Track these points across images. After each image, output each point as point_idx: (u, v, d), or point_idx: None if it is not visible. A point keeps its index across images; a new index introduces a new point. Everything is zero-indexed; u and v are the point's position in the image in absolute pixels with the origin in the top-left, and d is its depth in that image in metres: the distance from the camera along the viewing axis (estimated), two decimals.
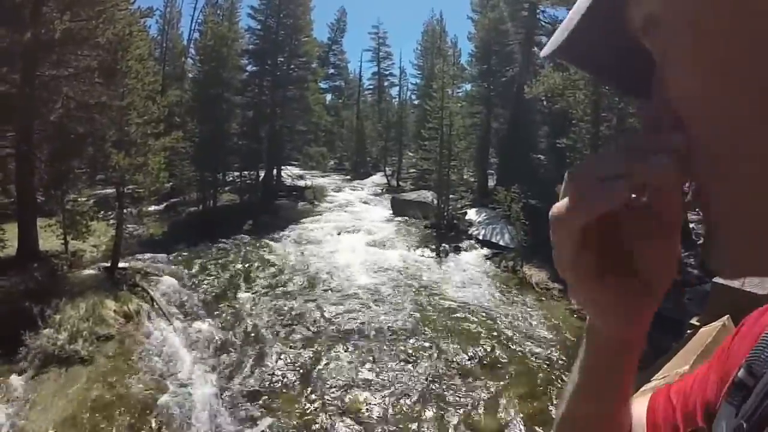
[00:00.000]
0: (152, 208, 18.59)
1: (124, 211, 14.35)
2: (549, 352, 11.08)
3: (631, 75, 0.43)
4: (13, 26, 11.14)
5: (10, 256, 12.51)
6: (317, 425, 8.64)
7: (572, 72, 15.86)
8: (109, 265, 13.56)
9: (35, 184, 13.18)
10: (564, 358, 10.82)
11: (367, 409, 9.04)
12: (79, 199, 13.60)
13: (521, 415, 8.93)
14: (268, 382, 9.78)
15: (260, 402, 9.22)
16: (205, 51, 24.47)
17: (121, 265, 13.82)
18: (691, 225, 15.10)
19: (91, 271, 13.26)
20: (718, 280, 2.35)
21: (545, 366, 10.52)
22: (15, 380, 8.91)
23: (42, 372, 9.24)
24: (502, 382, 9.86)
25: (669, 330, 10.66)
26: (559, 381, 9.90)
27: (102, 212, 14.64)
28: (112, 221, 14.80)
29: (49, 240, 13.29)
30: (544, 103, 18.33)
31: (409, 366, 10.38)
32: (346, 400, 9.23)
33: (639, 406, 0.66)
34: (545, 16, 25.04)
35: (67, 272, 12.76)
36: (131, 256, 15.22)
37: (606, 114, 15.43)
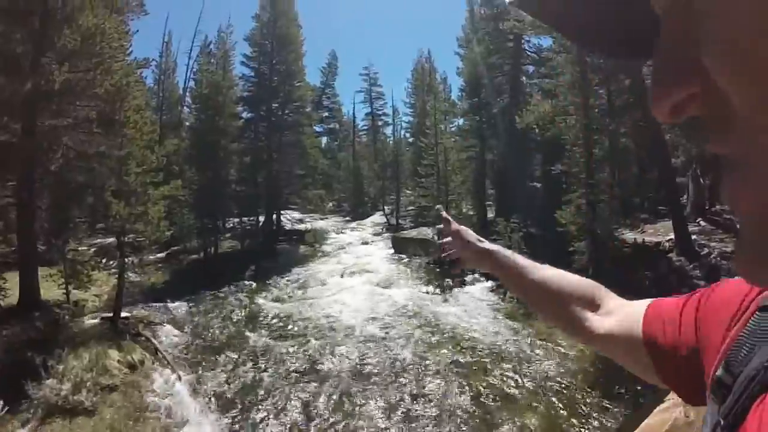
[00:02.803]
0: (153, 256, 18.57)
1: (126, 260, 14.31)
2: (559, 381, 10.88)
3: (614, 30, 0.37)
4: (13, 76, 11.38)
5: (12, 305, 12.41)
6: None
7: (561, 98, 16.14)
8: (111, 314, 13.44)
9: (36, 233, 13.22)
10: (576, 384, 10.64)
11: None
12: (80, 249, 13.64)
13: None
14: (275, 427, 9.58)
15: None
16: (201, 99, 24.90)
17: (123, 314, 13.70)
18: (693, 237, 15.10)
19: (94, 321, 13.14)
20: None
21: (558, 394, 10.32)
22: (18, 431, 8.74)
23: (46, 423, 9.03)
24: (515, 414, 9.65)
25: None
26: (573, 407, 9.72)
27: (103, 261, 14.65)
28: (113, 270, 14.77)
29: (50, 289, 13.23)
30: (536, 131, 18.52)
31: (420, 404, 10.16)
32: None
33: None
34: (530, 46, 25.66)
35: (70, 322, 12.65)
36: (133, 305, 15.11)
37: (597, 137, 15.60)
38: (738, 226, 0.32)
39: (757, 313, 0.50)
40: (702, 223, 16.70)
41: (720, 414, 0.45)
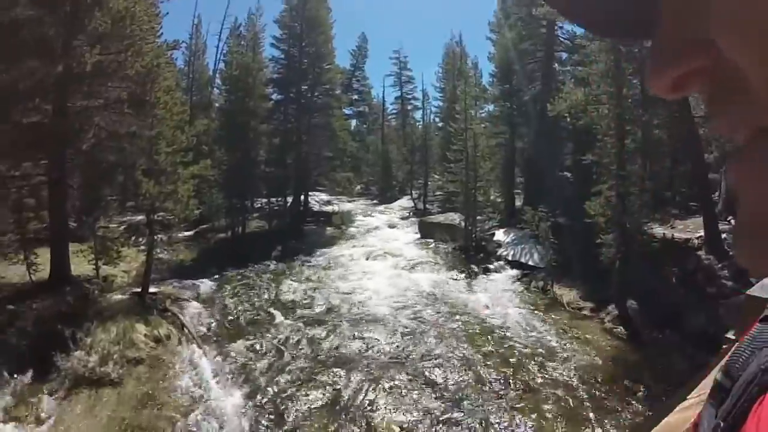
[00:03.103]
0: (182, 234, 18.98)
1: (155, 237, 14.62)
2: (582, 372, 10.81)
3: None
4: (46, 59, 11.66)
5: (43, 279, 12.86)
6: None
7: (594, 87, 15.77)
8: (139, 290, 13.81)
9: (68, 210, 13.58)
10: (597, 378, 10.55)
11: None
12: (110, 226, 13.95)
13: None
14: (298, 406, 9.70)
15: (291, 426, 9.14)
16: (231, 81, 25.11)
17: (151, 290, 14.07)
18: (723, 236, 14.72)
19: (122, 296, 13.51)
20: (752, 291, 2.28)
21: (578, 387, 10.25)
22: (46, 400, 9.07)
23: (73, 393, 9.39)
24: (534, 405, 9.63)
25: (704, 345, 10.38)
26: (593, 401, 9.64)
27: (132, 238, 15.00)
28: (142, 247, 15.14)
29: (81, 265, 13.64)
30: (568, 120, 18.15)
31: (441, 389, 10.20)
32: (379, 424, 9.10)
33: None
34: (563, 33, 25.05)
35: (99, 296, 13.04)
36: (162, 282, 15.50)
37: (630, 127, 15.21)
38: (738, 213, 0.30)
39: (758, 324, 0.51)
40: (733, 221, 16.19)
41: (719, 417, 0.45)
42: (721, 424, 0.44)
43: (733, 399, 0.44)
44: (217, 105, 30.94)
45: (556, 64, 25.93)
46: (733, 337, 2.45)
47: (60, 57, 11.63)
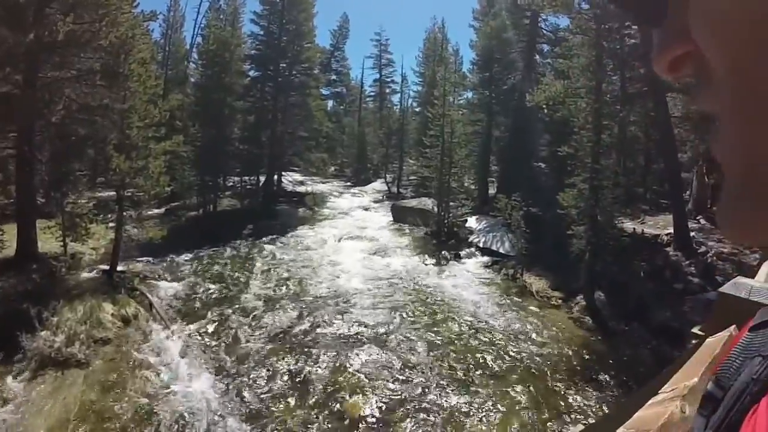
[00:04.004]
0: (152, 211, 18.64)
1: (124, 214, 14.33)
2: (549, 360, 11.03)
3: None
4: (16, 28, 11.14)
5: (9, 257, 12.50)
6: None
7: (574, 80, 15.89)
8: (107, 268, 13.55)
9: (35, 185, 13.19)
10: (564, 367, 10.77)
11: (364, 416, 8.96)
12: (79, 202, 13.57)
13: (521, 423, 8.87)
14: (266, 388, 9.69)
15: (258, 407, 9.13)
16: (208, 55, 24.54)
17: (119, 268, 13.82)
18: (692, 233, 15.10)
19: (90, 274, 13.25)
20: (724, 289, 2.32)
21: (545, 374, 10.45)
22: (11, 382, 8.87)
23: (39, 374, 9.20)
24: (501, 390, 9.78)
25: (669, 338, 10.72)
26: (559, 389, 9.85)
27: (102, 215, 14.64)
28: (111, 224, 14.82)
29: (48, 242, 13.27)
30: (545, 111, 18.29)
31: (408, 373, 10.29)
32: (345, 406, 9.14)
33: None
34: (547, 25, 25.21)
35: (66, 274, 12.75)
36: (130, 260, 15.21)
37: (607, 122, 15.41)
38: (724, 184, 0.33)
39: (747, 332, 0.51)
40: (702, 221, 16.68)
41: (710, 427, 0.45)
42: None
43: (724, 409, 0.44)
44: (192, 80, 30.29)
45: (538, 56, 26.09)
46: (700, 333, 2.50)
47: (31, 25, 11.15)
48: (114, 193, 14.37)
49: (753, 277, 3.94)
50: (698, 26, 0.30)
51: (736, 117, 0.30)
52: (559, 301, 14.44)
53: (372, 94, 53.48)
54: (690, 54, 0.33)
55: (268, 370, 10.28)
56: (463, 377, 10.26)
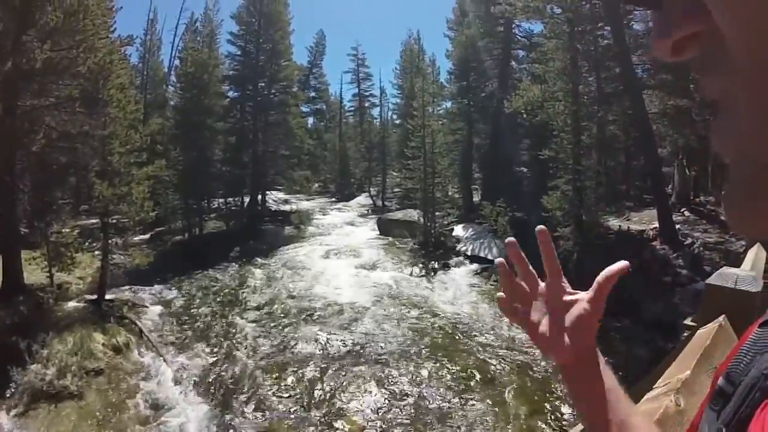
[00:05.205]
0: (138, 238, 18.46)
1: (110, 241, 14.15)
2: (542, 362, 11.04)
3: None
4: None
5: None
6: None
7: (550, 84, 16.12)
8: (95, 297, 13.34)
9: (18, 215, 12.97)
10: (554, 371, 10.80)
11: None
12: (64, 231, 13.37)
13: (519, 426, 8.86)
14: (261, 412, 9.55)
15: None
16: (186, 78, 24.39)
17: (107, 296, 13.60)
18: (677, 226, 15.29)
19: (78, 304, 13.00)
20: (711, 280, 2.36)
21: (539, 377, 10.47)
22: (4, 418, 8.66)
23: (31, 408, 8.97)
24: (495, 398, 9.76)
25: (663, 331, 10.80)
26: (557, 390, 9.86)
27: (87, 243, 14.43)
28: (97, 252, 14.62)
29: (33, 273, 13.01)
30: (524, 116, 18.51)
31: (404, 386, 10.23)
32: (343, 425, 9.07)
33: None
34: (521, 30, 25.60)
35: (54, 305, 12.49)
36: (118, 288, 14.96)
37: (586, 123, 15.64)
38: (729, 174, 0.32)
39: (757, 328, 0.51)
40: (686, 213, 16.95)
41: (720, 421, 0.46)
42: (724, 430, 0.45)
43: (735, 404, 0.45)
44: (172, 103, 30.04)
45: (514, 62, 26.44)
46: (692, 324, 2.53)
47: (9, 53, 11.02)
48: (98, 220, 14.19)
49: (740, 265, 4.00)
50: (717, 1, 0.27)
51: (757, 103, 0.27)
52: None
53: (352, 108, 53.71)
54: (697, 35, 0.31)
55: (262, 393, 10.11)
56: (456, 383, 10.24)
